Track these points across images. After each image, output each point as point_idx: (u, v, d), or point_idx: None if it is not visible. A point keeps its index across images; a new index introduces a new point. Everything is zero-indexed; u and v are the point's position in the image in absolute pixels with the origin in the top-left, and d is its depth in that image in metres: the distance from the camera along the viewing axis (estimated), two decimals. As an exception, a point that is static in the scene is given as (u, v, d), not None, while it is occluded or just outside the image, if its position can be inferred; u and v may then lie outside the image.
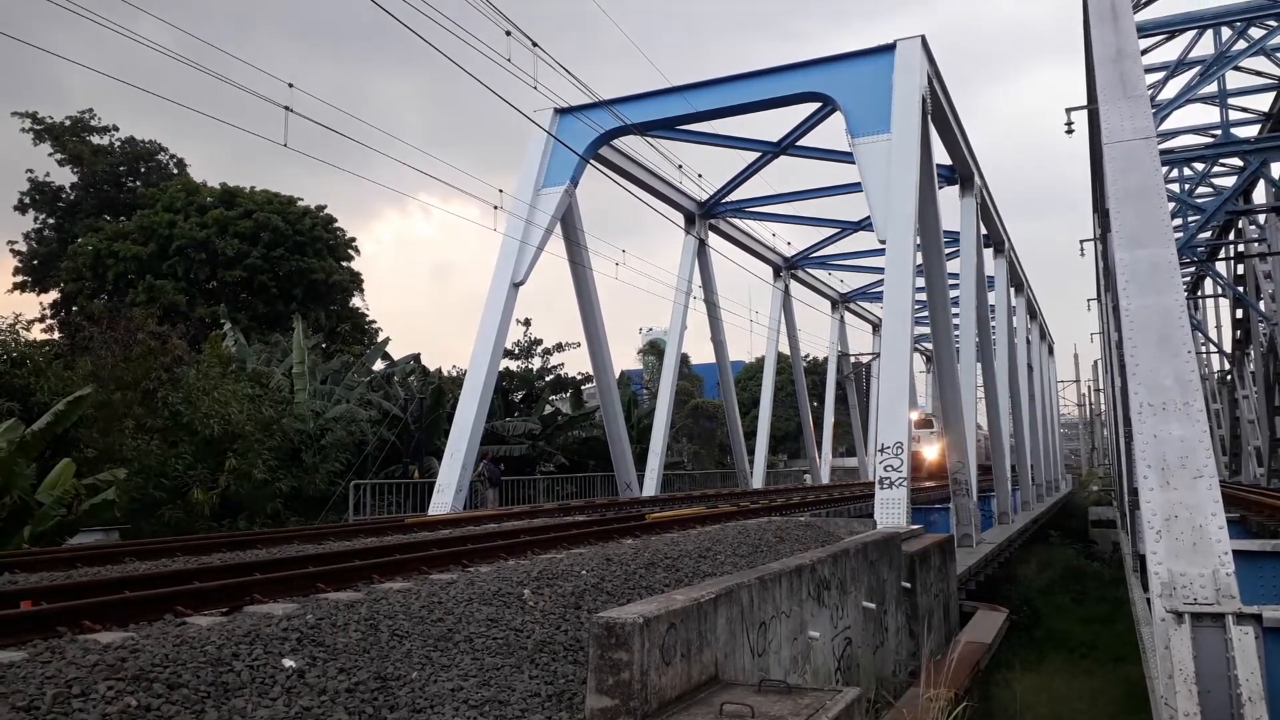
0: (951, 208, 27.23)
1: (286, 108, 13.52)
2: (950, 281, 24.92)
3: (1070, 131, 19.48)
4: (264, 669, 5.10)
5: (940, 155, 24.40)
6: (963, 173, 27.32)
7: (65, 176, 44.18)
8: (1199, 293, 38.83)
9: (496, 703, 5.65)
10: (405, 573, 8.40)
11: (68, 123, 43.51)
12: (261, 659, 5.18)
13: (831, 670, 9.46)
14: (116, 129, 45.25)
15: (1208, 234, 31.24)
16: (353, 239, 45.57)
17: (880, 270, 26.91)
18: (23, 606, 6.26)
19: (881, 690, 10.66)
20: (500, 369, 26.46)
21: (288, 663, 5.23)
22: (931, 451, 40.14)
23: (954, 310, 26.24)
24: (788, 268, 39.74)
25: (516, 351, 40.68)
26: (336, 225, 44.39)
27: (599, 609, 7.20)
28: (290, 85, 13.63)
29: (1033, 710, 12.40)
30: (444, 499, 19.52)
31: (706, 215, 31.70)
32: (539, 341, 41.28)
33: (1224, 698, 6.43)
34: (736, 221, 34.27)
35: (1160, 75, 22.46)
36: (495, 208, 19.96)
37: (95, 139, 44.37)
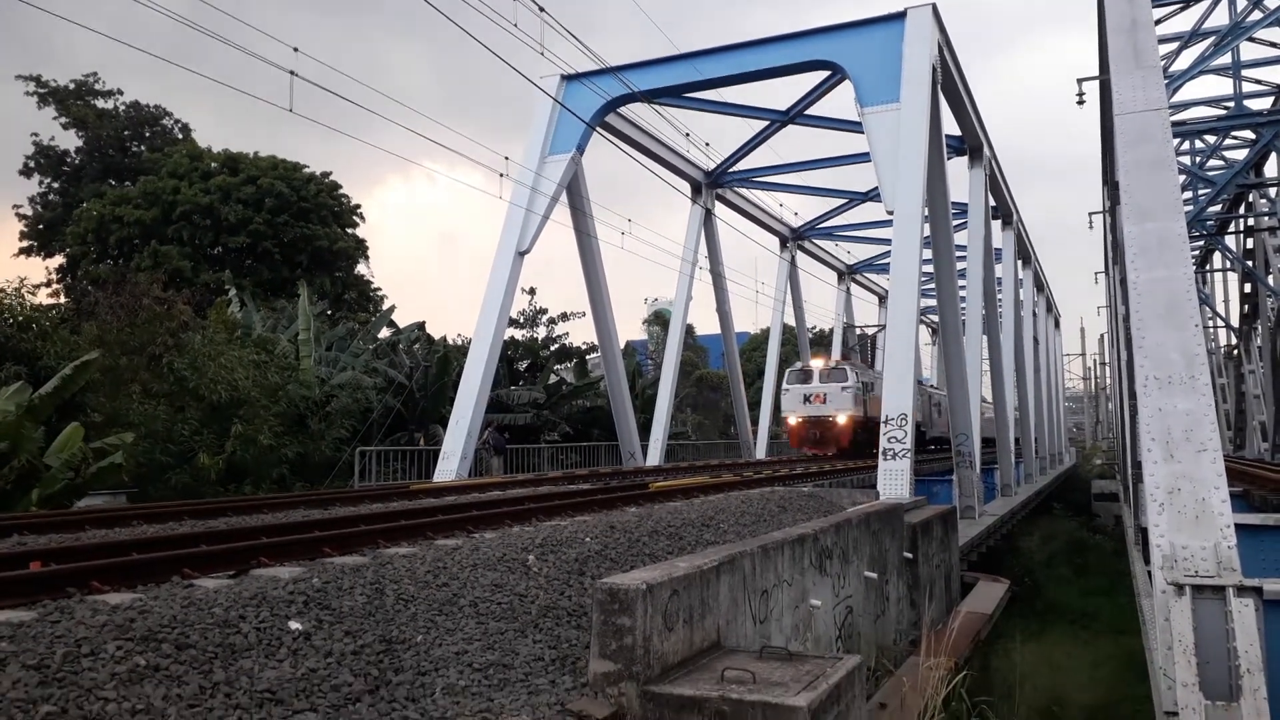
0: (960, 179, 27.08)
1: (292, 72, 13.43)
2: (958, 253, 24.80)
3: (1081, 102, 19.31)
4: (271, 631, 5.15)
5: (949, 126, 24.21)
6: (972, 143, 27.11)
7: (70, 140, 44.08)
8: (1207, 266, 38.66)
9: (500, 666, 5.71)
10: (411, 538, 8.46)
11: (72, 86, 43.34)
12: (268, 621, 5.24)
13: (832, 638, 9.54)
14: (121, 93, 45.10)
15: (1218, 207, 31.03)
16: (357, 206, 45.48)
17: (887, 241, 26.81)
18: (32, 567, 6.32)
19: (882, 658, 10.75)
20: (505, 338, 26.45)
21: (294, 625, 5.29)
22: (842, 412, 30.61)
23: (961, 282, 26.15)
24: (794, 238, 39.58)
25: (521, 320, 40.67)
26: (341, 192, 44.27)
27: (602, 575, 7.25)
28: (295, 50, 13.53)
29: (1032, 680, 12.48)
30: (449, 466, 19.61)
31: (713, 185, 31.52)
32: (544, 311, 41.25)
33: (1223, 669, 6.47)
34: (743, 191, 34.09)
35: (1174, 46, 22.23)
36: (501, 175, 19.88)
37: (100, 103, 44.22)
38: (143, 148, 45.23)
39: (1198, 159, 29.17)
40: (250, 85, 14.52)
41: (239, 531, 8.28)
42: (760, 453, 35.89)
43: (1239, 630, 6.51)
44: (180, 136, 46.25)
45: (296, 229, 39.87)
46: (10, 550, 6.95)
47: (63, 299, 38.65)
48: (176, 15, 12.16)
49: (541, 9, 15.46)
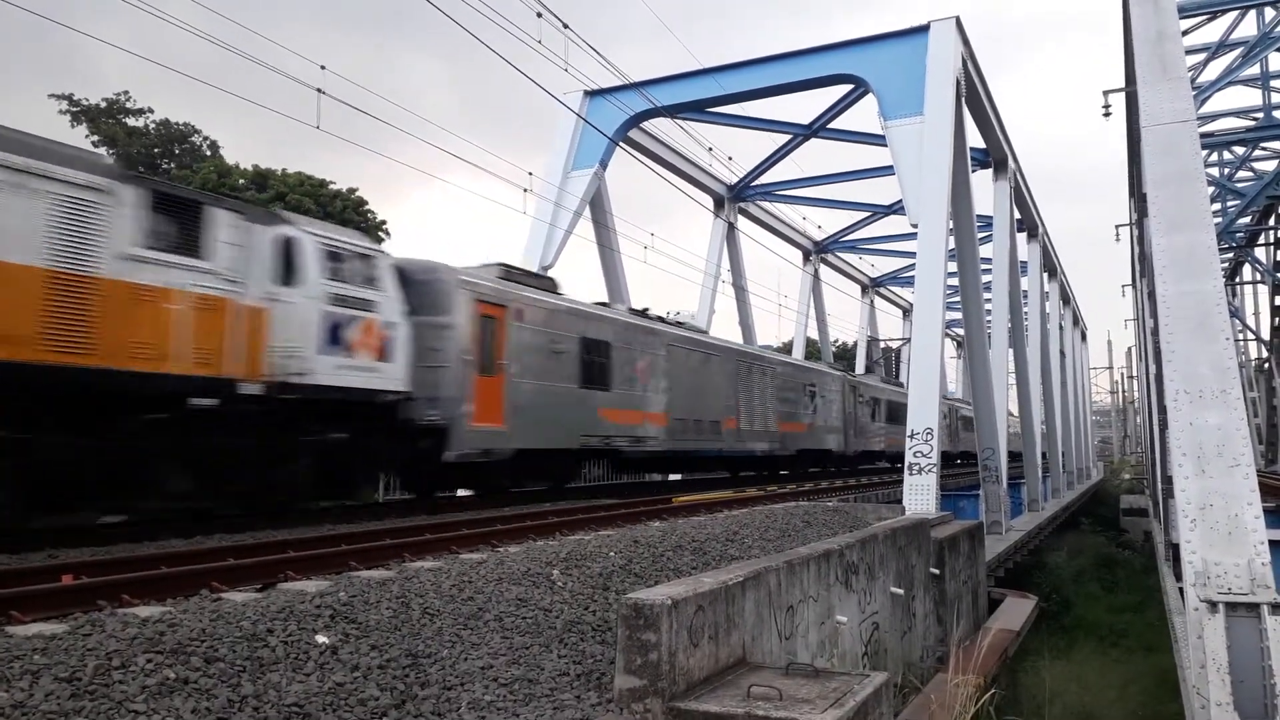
0: (985, 191, 26.93)
1: (319, 90, 13.59)
2: (983, 266, 24.65)
3: (1108, 114, 19.21)
4: (298, 644, 5.17)
5: (974, 138, 24.13)
6: (996, 156, 26.97)
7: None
8: (1237, 279, 38.24)
9: (526, 681, 5.70)
10: (435, 552, 8.50)
11: (103, 105, 44.03)
12: (295, 635, 5.26)
13: (859, 655, 9.46)
14: (151, 111, 45.75)
15: (1247, 219, 30.73)
16: (383, 221, 45.79)
17: (912, 254, 26.70)
18: (64, 580, 6.40)
19: (909, 675, 10.65)
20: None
21: (321, 639, 5.31)
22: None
23: (986, 295, 25.98)
24: (817, 251, 39.51)
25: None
26: (367, 208, 44.63)
27: (627, 590, 7.24)
28: (323, 68, 13.70)
29: (1061, 698, 12.33)
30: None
31: (736, 198, 31.55)
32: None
33: (1258, 688, 6.37)
34: (766, 205, 34.11)
35: (1201, 57, 22.07)
36: (525, 190, 19.99)
37: (130, 121, 44.87)
38: (172, 165, 45.84)
39: (1226, 170, 28.89)
40: (279, 103, 14.78)
41: (266, 545, 8.35)
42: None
43: (1274, 648, 6.41)
44: (209, 153, 46.86)
45: (323, 244, 40.16)
46: (42, 564, 7.04)
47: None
48: (208, 35, 12.35)
49: (565, 25, 15.57)
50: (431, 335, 12.77)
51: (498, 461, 13.92)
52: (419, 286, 12.77)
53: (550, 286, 16.10)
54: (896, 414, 34.73)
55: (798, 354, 38.84)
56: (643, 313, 19.62)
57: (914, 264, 20.64)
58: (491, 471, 14.29)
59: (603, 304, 18.40)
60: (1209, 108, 24.36)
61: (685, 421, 19.43)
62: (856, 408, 30.84)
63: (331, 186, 42.84)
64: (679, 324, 20.75)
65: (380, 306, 11.68)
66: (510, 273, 15.20)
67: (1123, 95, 20.15)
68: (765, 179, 30.70)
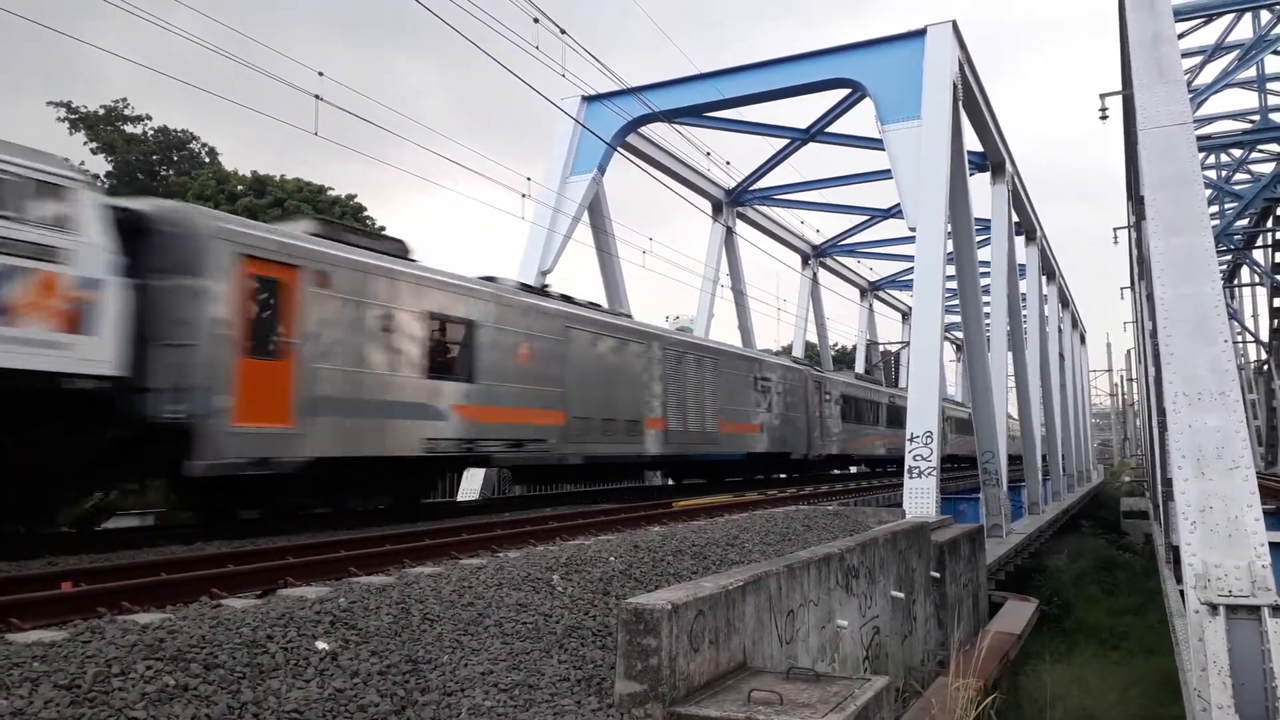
0: (982, 195, 26.98)
1: (317, 96, 13.60)
2: (981, 269, 24.68)
3: (1104, 118, 19.22)
4: (298, 651, 5.17)
5: (971, 142, 24.16)
6: (994, 159, 27.02)
7: (100, 165, 44.80)
8: (1235, 281, 38.28)
9: (526, 686, 5.69)
10: (435, 557, 8.50)
11: (102, 112, 44.09)
12: (295, 641, 5.25)
13: (859, 659, 9.45)
14: (150, 118, 45.83)
15: (1245, 221, 30.78)
16: (382, 227, 45.86)
17: (910, 258, 26.72)
18: (63, 587, 6.39)
19: (910, 679, 10.64)
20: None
21: (321, 645, 5.30)
22: None
23: (985, 298, 26.00)
24: (816, 255, 39.56)
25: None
26: (366, 215, 44.68)
27: (627, 595, 7.23)
28: (320, 74, 13.72)
29: (1063, 701, 12.31)
30: (473, 485, 19.66)
31: (734, 203, 31.60)
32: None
33: (1259, 690, 6.36)
34: (764, 209, 34.15)
35: (1197, 60, 22.11)
36: (523, 195, 20.01)
37: (129, 128, 44.93)
38: (170, 171, 45.89)
39: (1223, 173, 28.94)
40: (277, 110, 14.77)
41: (265, 551, 8.34)
42: (784, 471, 35.67)
43: (1275, 651, 6.40)
44: (207, 160, 46.91)
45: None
46: (42, 571, 7.03)
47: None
48: (204, 41, 12.36)
49: (563, 31, 15.60)
50: (176, 302, 9.59)
51: (288, 474, 10.61)
52: (161, 238, 9.69)
53: (399, 251, 13.03)
54: (875, 415, 33.64)
55: (798, 356, 38.88)
56: (541, 290, 17.02)
57: (912, 267, 20.64)
58: (278, 487, 11.02)
59: (489, 278, 15.23)
60: (1206, 110, 24.42)
61: (590, 421, 16.26)
62: (823, 407, 28.14)
63: (330, 192, 42.91)
64: (592, 305, 17.91)
65: (72, 257, 8.48)
66: (331, 230, 12.26)
67: (1120, 98, 20.18)
68: (763, 183, 30.75)
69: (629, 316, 20.09)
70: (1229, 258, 34.41)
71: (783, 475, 27.54)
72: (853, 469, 34.92)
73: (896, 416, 35.34)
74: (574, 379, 15.88)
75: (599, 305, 18.34)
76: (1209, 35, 22.55)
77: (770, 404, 24.01)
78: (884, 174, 27.05)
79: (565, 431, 15.49)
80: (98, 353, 8.72)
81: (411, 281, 12.59)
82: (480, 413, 13.60)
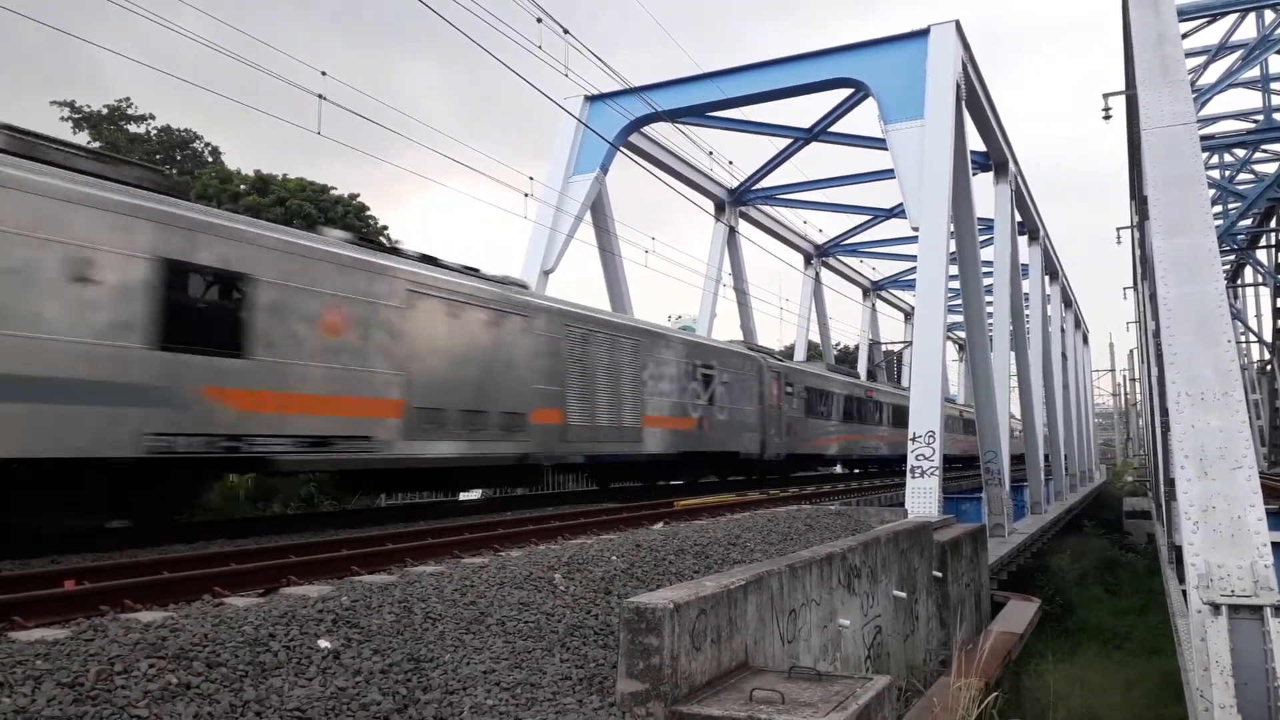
0: (986, 195, 26.94)
1: (320, 96, 13.61)
2: (984, 269, 24.66)
3: (1108, 118, 19.21)
4: (300, 649, 5.17)
5: (974, 142, 24.14)
6: (997, 159, 26.99)
7: (102, 165, 44.89)
8: (1239, 281, 38.25)
9: (528, 685, 5.70)
10: (438, 556, 8.51)
11: (105, 111, 44.16)
12: (297, 639, 5.26)
13: (861, 658, 9.45)
14: (153, 117, 45.89)
15: (1248, 221, 30.73)
16: (385, 227, 45.88)
17: (913, 258, 26.67)
18: (66, 586, 6.40)
19: (912, 679, 10.63)
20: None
21: (323, 643, 5.31)
22: None
23: (988, 298, 25.97)
24: (819, 255, 39.55)
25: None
26: (369, 214, 44.72)
27: (629, 594, 7.23)
28: (324, 74, 13.72)
29: (1065, 701, 12.30)
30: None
31: (737, 202, 31.60)
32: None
33: (1261, 690, 6.36)
34: (767, 209, 34.15)
35: (1201, 59, 22.07)
36: (526, 195, 20.01)
37: (132, 127, 45.01)
38: (174, 170, 45.96)
39: (1227, 173, 28.90)
40: (281, 109, 14.75)
41: (267, 550, 8.35)
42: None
43: (1278, 651, 6.40)
44: (210, 159, 46.98)
45: (324, 250, 40.22)
46: (44, 569, 7.04)
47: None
48: (209, 41, 12.38)
49: (566, 30, 15.60)
50: None
51: None
52: None
53: (162, 185, 10.01)
54: (849, 411, 31.33)
55: (799, 357, 38.77)
56: (378, 244, 13.98)
57: (915, 267, 20.63)
58: None
59: (300, 231, 12.19)
60: (1209, 110, 24.37)
61: (443, 413, 12.91)
62: (783, 401, 24.86)
63: (333, 192, 42.93)
64: (469, 270, 14.49)
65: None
66: (19, 140, 8.60)
67: (1123, 98, 20.15)
68: (766, 183, 30.75)
69: (521, 286, 16.09)
70: (1232, 258, 34.37)
71: (722, 478, 24.00)
72: (826, 470, 32.40)
73: (878, 413, 34.80)
74: (423, 359, 12.69)
75: (476, 270, 14.72)
76: (1213, 35, 22.54)
77: (712, 396, 21.00)
78: (887, 174, 27.03)
79: (404, 426, 12.24)
80: None
81: (131, 214, 9.05)
82: (254, 399, 10.20)
